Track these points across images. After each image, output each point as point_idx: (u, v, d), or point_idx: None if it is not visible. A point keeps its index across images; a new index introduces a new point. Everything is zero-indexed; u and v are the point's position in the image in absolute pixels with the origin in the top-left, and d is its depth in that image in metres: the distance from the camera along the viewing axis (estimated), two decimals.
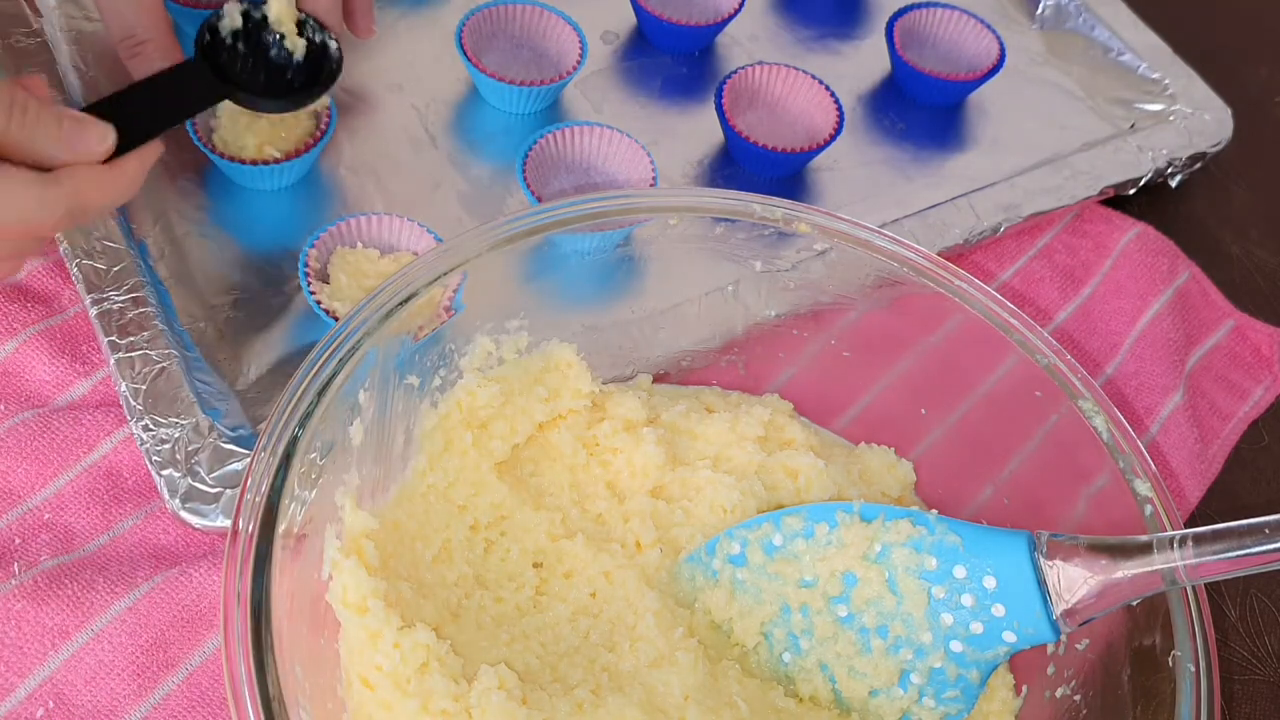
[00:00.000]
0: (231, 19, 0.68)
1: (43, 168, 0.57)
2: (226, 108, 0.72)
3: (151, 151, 0.62)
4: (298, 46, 0.70)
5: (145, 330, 0.65)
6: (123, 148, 0.60)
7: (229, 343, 0.69)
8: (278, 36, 0.69)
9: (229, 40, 0.68)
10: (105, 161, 0.59)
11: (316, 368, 0.55)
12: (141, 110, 0.63)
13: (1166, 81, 0.89)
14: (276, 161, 0.72)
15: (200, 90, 0.66)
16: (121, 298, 0.66)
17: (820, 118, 0.81)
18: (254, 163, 0.72)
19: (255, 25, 0.69)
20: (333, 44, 0.70)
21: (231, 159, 0.72)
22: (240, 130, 0.73)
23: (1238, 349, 0.81)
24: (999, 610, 0.55)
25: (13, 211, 0.56)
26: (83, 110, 0.61)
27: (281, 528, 0.51)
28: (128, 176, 0.61)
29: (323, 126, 0.74)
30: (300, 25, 0.70)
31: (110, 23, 0.69)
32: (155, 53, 0.68)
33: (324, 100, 0.74)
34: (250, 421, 0.65)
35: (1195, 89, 0.89)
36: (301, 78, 0.70)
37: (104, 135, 0.59)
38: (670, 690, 0.57)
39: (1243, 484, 0.76)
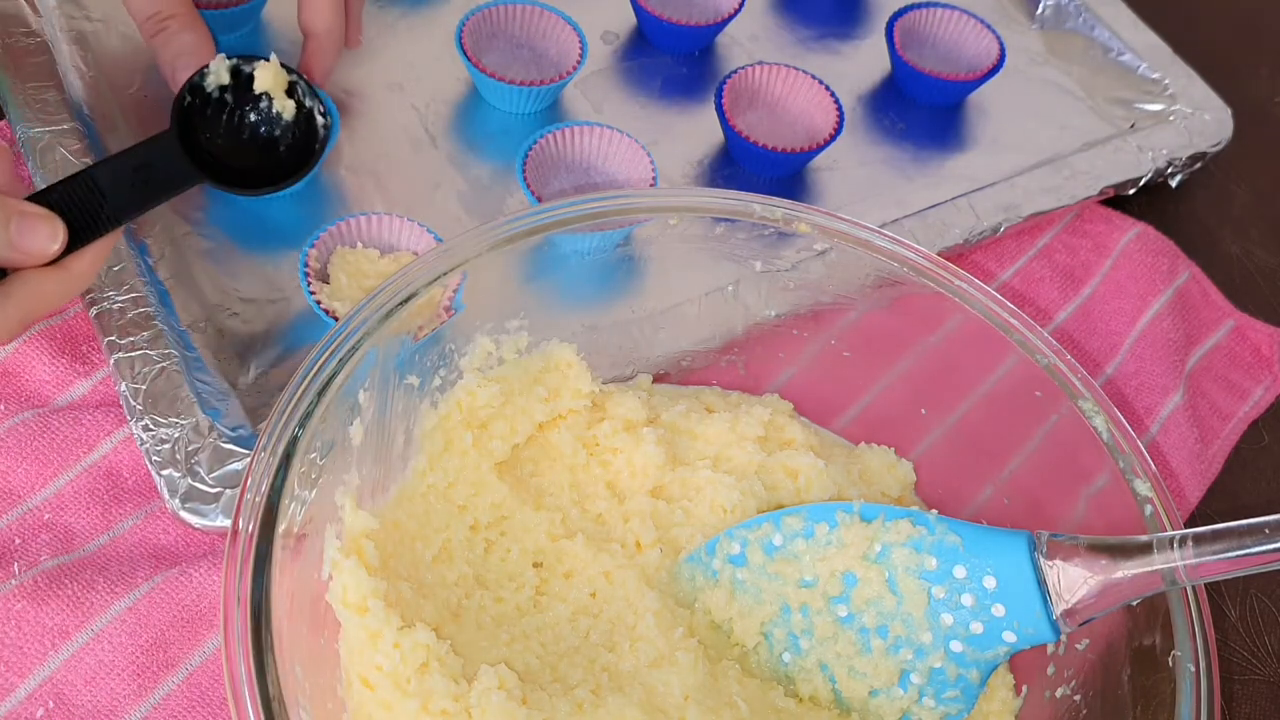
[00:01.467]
0: (218, 75, 0.67)
1: None
2: None
3: (105, 245, 0.59)
4: (286, 108, 0.69)
5: (145, 330, 0.65)
6: (81, 239, 0.57)
7: (229, 343, 0.69)
8: (264, 101, 0.68)
9: (215, 94, 0.67)
10: (59, 259, 0.57)
11: (316, 368, 0.55)
12: (101, 199, 0.58)
13: (1166, 81, 0.89)
14: None
15: (169, 174, 0.62)
16: (121, 298, 0.66)
17: (820, 118, 0.81)
18: None
19: (244, 81, 0.67)
20: (320, 119, 0.70)
21: None
22: None
23: (1238, 349, 0.81)
24: (999, 610, 0.55)
25: None
26: (41, 194, 0.58)
27: (281, 528, 0.51)
28: (80, 278, 0.59)
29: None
30: (290, 87, 0.69)
31: (132, 3, 0.69)
32: (180, 28, 0.68)
33: (324, 106, 0.74)
34: (250, 421, 0.65)
35: (1195, 89, 0.89)
36: (286, 143, 0.69)
37: (54, 234, 0.56)
38: (670, 690, 0.57)
39: (1243, 484, 0.76)
